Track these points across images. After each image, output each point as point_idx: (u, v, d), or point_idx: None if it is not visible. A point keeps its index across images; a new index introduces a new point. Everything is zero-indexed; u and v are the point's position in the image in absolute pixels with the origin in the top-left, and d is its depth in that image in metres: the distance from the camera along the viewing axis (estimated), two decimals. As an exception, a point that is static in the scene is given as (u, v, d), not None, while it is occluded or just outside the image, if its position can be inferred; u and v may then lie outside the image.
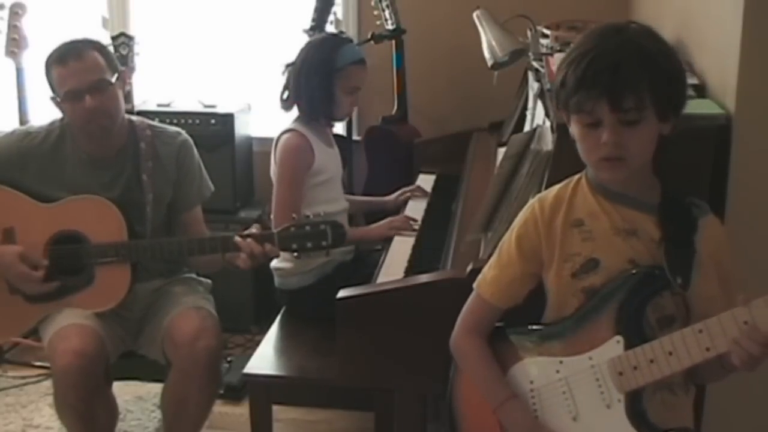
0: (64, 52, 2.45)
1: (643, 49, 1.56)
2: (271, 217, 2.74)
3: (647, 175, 1.67)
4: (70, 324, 2.37)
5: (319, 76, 2.77)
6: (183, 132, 2.65)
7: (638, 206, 1.65)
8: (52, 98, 2.49)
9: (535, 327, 1.74)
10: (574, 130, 1.64)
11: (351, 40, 2.97)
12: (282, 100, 2.88)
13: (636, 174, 1.64)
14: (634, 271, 1.61)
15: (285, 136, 2.78)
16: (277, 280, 2.83)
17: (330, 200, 2.83)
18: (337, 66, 2.78)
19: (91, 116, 2.45)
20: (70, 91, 2.43)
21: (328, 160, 2.84)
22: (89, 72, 2.44)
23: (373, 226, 2.89)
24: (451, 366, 1.85)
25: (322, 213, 2.37)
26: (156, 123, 2.66)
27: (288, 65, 2.88)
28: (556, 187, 1.75)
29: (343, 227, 2.33)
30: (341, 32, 3.36)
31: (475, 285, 1.79)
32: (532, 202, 1.75)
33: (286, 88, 2.87)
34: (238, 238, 2.34)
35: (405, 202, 3.09)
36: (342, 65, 2.78)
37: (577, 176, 1.73)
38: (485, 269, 1.79)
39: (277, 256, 2.58)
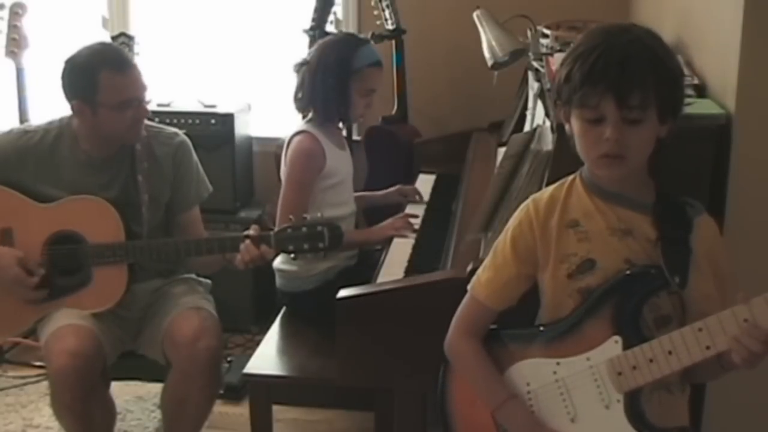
0: (118, 60, 2.45)
1: (650, 48, 1.57)
2: (276, 218, 2.72)
3: (642, 175, 1.67)
4: (66, 324, 2.37)
5: (335, 78, 2.73)
6: (181, 133, 2.65)
7: (633, 206, 1.65)
8: (79, 102, 2.42)
9: (530, 328, 1.73)
10: (574, 125, 1.63)
11: (368, 41, 2.91)
12: (297, 99, 2.84)
13: (631, 174, 1.63)
14: (629, 271, 1.61)
15: (297, 137, 2.75)
16: (278, 281, 2.83)
17: (339, 204, 2.81)
18: (354, 68, 2.74)
19: (138, 124, 2.47)
20: (130, 99, 2.43)
21: (339, 163, 2.81)
22: (142, 81, 2.47)
23: (374, 229, 2.87)
24: (440, 369, 1.84)
25: (320, 215, 2.36)
26: (153, 123, 2.66)
27: (301, 64, 2.83)
28: (550, 188, 1.74)
29: (340, 228, 2.32)
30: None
31: (469, 287, 1.78)
32: (527, 203, 1.74)
33: (300, 87, 2.82)
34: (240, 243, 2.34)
35: (399, 203, 3.08)
36: (359, 67, 2.75)
37: (570, 177, 1.73)
38: (479, 271, 1.78)
39: (274, 258, 2.57)
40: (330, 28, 3.65)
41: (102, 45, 2.51)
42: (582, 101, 1.57)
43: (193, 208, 2.66)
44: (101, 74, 2.40)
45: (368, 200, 3.19)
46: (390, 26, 3.65)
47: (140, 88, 2.46)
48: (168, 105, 3.77)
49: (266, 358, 2.57)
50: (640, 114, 1.55)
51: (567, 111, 1.64)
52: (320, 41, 2.93)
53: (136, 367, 2.65)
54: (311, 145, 2.73)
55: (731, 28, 2.01)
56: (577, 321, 1.65)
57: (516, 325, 1.76)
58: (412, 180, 3.28)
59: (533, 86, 2.77)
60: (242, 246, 2.33)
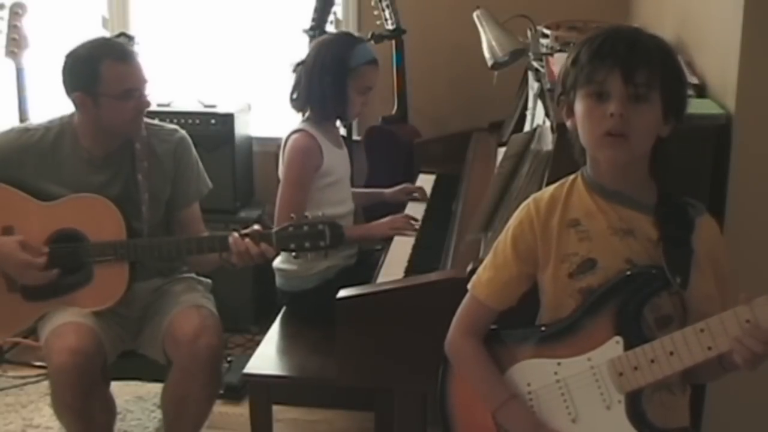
0: (120, 50, 2.46)
1: (658, 39, 1.63)
2: (275, 216, 2.73)
3: (643, 175, 1.67)
4: (66, 322, 2.37)
5: (331, 76, 2.74)
6: (180, 129, 2.65)
7: (635, 206, 1.65)
8: (80, 94, 2.42)
9: (531, 328, 1.73)
10: (578, 109, 1.63)
11: (363, 40, 2.93)
12: (292, 99, 2.85)
13: (632, 173, 1.64)
14: (630, 272, 1.61)
15: (294, 136, 2.77)
16: (278, 281, 2.83)
17: (338, 202, 2.82)
18: (351, 66, 2.75)
19: (139, 116, 2.48)
20: (132, 89, 2.44)
21: (336, 162, 2.83)
22: (144, 72, 2.48)
23: (374, 224, 2.87)
24: (439, 370, 1.84)
25: (321, 214, 2.36)
26: (152, 121, 2.65)
27: (298, 64, 2.84)
28: (551, 188, 1.74)
29: (341, 227, 2.33)
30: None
31: (469, 286, 1.78)
32: (527, 202, 1.74)
33: (296, 87, 2.84)
34: (231, 239, 2.35)
35: (404, 202, 3.08)
36: (355, 65, 2.76)
37: (572, 176, 1.73)
38: (480, 270, 1.78)
39: (275, 256, 2.57)
40: (330, 28, 3.65)
41: (103, 38, 2.52)
42: (589, 77, 1.59)
43: (193, 204, 2.67)
44: (103, 64, 2.40)
45: (373, 197, 3.19)
46: (390, 26, 3.65)
47: (142, 79, 2.47)
48: (168, 105, 3.77)
49: (266, 358, 2.57)
50: (645, 90, 1.56)
51: (571, 99, 1.64)
52: (316, 40, 2.95)
53: (136, 366, 2.64)
54: (308, 143, 2.74)
55: (731, 28, 2.01)
56: (578, 321, 1.65)
57: (516, 325, 1.75)
58: (412, 180, 3.28)
59: (533, 86, 2.78)
60: (240, 244, 2.33)
